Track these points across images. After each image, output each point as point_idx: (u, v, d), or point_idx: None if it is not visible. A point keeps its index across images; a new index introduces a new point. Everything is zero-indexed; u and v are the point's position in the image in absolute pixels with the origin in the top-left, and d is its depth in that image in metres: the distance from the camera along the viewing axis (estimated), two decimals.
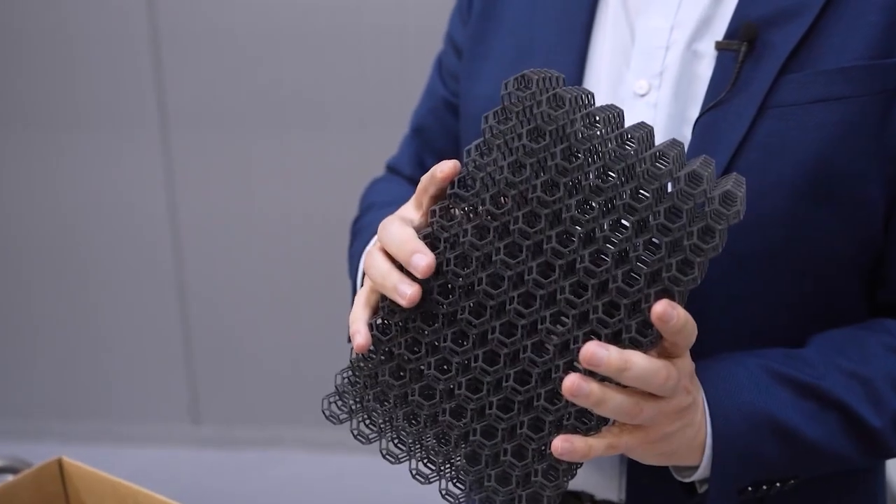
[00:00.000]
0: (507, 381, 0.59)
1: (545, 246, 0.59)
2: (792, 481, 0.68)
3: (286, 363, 2.26)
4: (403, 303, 0.60)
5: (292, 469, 2.24)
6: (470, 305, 0.60)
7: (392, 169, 0.97)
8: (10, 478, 0.80)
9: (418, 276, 0.60)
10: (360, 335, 0.62)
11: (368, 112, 2.09)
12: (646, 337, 0.56)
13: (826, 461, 0.67)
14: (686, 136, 0.70)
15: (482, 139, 0.61)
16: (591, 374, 0.56)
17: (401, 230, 0.62)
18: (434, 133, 0.91)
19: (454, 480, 0.63)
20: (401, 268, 0.61)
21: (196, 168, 2.20)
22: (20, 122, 2.22)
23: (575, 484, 0.77)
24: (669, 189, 0.57)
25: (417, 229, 0.62)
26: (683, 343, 0.57)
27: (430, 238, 0.61)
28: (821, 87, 0.66)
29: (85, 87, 2.17)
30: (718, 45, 0.69)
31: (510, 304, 0.59)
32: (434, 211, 0.62)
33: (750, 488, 0.67)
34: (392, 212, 0.66)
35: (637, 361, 0.55)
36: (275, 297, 2.23)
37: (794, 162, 0.66)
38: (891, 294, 0.73)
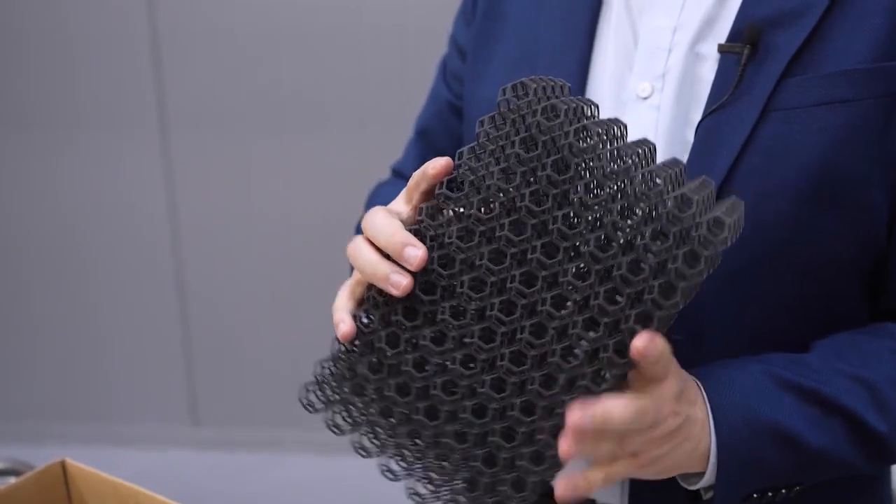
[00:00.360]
0: (482, 388, 0.59)
1: (529, 256, 0.58)
2: (797, 487, 0.68)
3: (286, 365, 2.26)
4: (396, 292, 0.60)
5: (292, 471, 2.23)
6: (451, 306, 0.60)
7: (397, 172, 0.96)
8: (12, 480, 0.80)
9: (411, 268, 0.60)
10: (345, 324, 0.63)
11: (368, 112, 2.09)
12: (623, 358, 0.55)
13: (832, 467, 0.67)
14: (689, 139, 0.70)
15: (476, 143, 0.61)
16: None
17: (388, 221, 0.62)
18: (438, 136, 0.91)
19: (423, 480, 0.63)
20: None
21: (196, 168, 2.19)
22: (20, 122, 2.22)
23: None
24: (661, 210, 0.56)
25: (404, 223, 0.62)
26: (661, 372, 0.57)
27: (416, 235, 0.61)
28: (824, 90, 0.66)
29: (85, 87, 2.17)
30: (721, 48, 0.69)
31: (491, 311, 0.59)
32: (423, 208, 0.62)
33: (755, 495, 0.66)
34: None
35: (615, 415, 0.54)
36: (275, 299, 2.23)
37: (798, 165, 0.66)
38: (893, 299, 0.72)
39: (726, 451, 0.63)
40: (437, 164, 0.62)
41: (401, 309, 0.62)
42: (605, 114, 0.75)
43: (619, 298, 0.56)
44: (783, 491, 0.67)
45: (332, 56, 2.08)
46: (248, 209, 2.20)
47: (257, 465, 2.26)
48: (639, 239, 0.55)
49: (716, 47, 0.69)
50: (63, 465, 0.79)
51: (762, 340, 0.70)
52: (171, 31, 2.11)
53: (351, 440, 0.64)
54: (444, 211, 0.61)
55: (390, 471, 0.63)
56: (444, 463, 0.61)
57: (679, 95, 0.71)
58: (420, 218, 0.62)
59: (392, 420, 0.63)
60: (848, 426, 0.66)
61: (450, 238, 0.60)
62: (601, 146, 0.59)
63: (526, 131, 0.60)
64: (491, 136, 0.61)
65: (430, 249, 0.61)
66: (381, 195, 0.94)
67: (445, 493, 0.62)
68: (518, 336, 0.59)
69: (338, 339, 0.64)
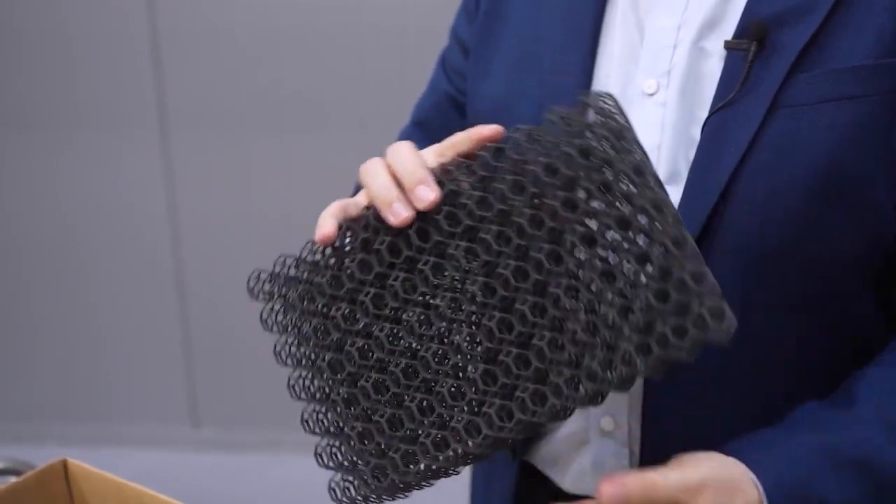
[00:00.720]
0: (421, 350, 0.59)
1: (532, 253, 0.57)
2: None
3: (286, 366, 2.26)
4: (393, 220, 0.59)
5: (292, 472, 2.23)
6: (435, 262, 0.59)
7: None
8: (12, 479, 0.80)
9: (418, 206, 0.59)
10: (328, 227, 0.62)
11: (368, 112, 2.09)
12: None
13: None
14: (695, 136, 0.69)
15: (537, 127, 0.59)
16: None
17: (413, 156, 0.61)
18: (436, 128, 0.90)
19: (323, 428, 0.63)
20: None
21: (196, 168, 2.19)
22: (20, 122, 2.22)
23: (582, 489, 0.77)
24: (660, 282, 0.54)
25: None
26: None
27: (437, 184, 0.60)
28: (830, 87, 0.65)
29: (85, 87, 2.17)
30: (727, 45, 0.68)
31: (470, 285, 0.58)
32: (456, 161, 0.60)
33: None
34: None
35: None
36: None
37: (806, 162, 0.65)
38: None
39: None
40: (489, 129, 0.61)
41: (387, 241, 0.60)
42: None
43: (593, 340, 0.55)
44: None
45: (332, 56, 2.08)
46: (248, 209, 2.19)
47: (257, 465, 2.26)
48: (637, 303, 0.54)
49: (721, 44, 0.69)
50: (65, 465, 0.79)
51: (765, 345, 0.69)
52: (172, 30, 2.11)
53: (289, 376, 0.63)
54: (474, 174, 0.60)
55: (294, 391, 0.63)
56: (350, 409, 0.61)
57: (684, 92, 0.70)
58: (449, 167, 0.60)
59: (320, 340, 0.62)
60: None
61: (467, 199, 0.59)
62: (613, 208, 0.57)
63: (551, 158, 0.58)
64: (551, 131, 0.59)
65: (442, 200, 0.59)
66: None
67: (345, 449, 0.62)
68: (483, 322, 0.58)
69: (311, 241, 0.63)
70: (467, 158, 0.62)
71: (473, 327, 0.59)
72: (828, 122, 0.65)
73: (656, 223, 0.54)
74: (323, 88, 2.10)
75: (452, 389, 0.59)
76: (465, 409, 0.58)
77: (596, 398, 0.57)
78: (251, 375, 2.31)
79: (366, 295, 0.60)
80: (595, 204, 0.57)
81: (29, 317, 2.35)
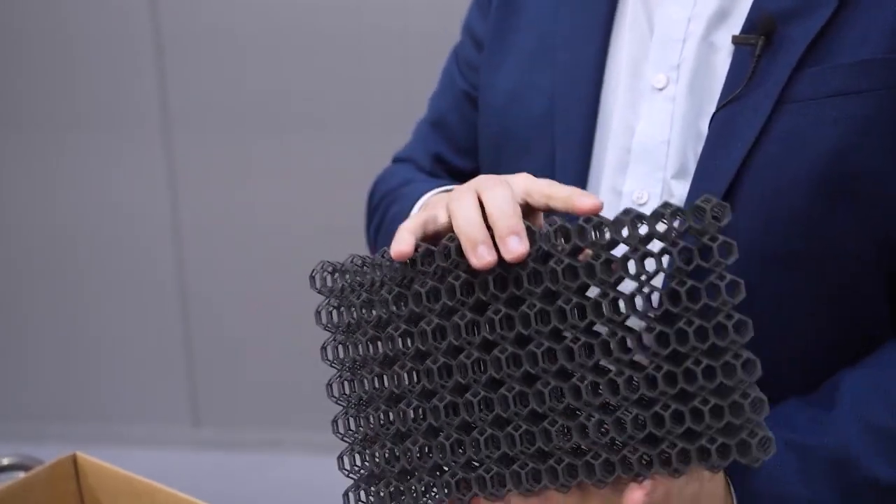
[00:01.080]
0: (471, 395, 0.60)
1: (603, 336, 0.57)
2: None
3: (287, 365, 2.25)
4: (475, 262, 0.57)
5: (292, 471, 2.23)
6: (507, 315, 0.59)
7: (402, 160, 0.95)
8: (20, 475, 0.80)
9: (505, 255, 0.57)
10: (406, 244, 0.59)
11: (370, 114, 2.09)
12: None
13: None
14: (703, 131, 0.70)
15: (636, 219, 0.56)
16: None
17: (509, 200, 0.59)
18: (455, 127, 0.90)
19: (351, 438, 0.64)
20: None
21: (198, 169, 2.19)
22: (21, 123, 2.22)
23: None
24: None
25: None
26: None
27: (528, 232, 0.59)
28: (838, 81, 0.66)
29: (86, 87, 2.17)
30: (735, 40, 0.68)
31: (537, 347, 0.58)
32: (555, 221, 0.58)
33: None
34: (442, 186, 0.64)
35: None
36: (275, 299, 2.22)
37: (813, 157, 0.66)
38: None
39: None
40: (590, 202, 0.59)
41: (462, 278, 0.59)
42: (621, 105, 0.74)
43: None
44: None
45: (334, 57, 2.08)
46: (249, 210, 2.19)
47: (257, 465, 2.25)
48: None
49: (729, 38, 0.69)
50: (74, 460, 0.79)
51: (771, 343, 0.68)
52: (174, 31, 2.11)
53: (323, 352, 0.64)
54: (568, 239, 0.58)
55: (332, 394, 0.64)
56: (382, 425, 0.63)
57: (693, 86, 0.71)
58: (547, 229, 0.58)
59: (369, 352, 0.63)
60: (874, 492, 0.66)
61: (556, 264, 0.57)
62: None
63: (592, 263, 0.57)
64: (643, 231, 0.56)
65: (530, 255, 0.57)
66: (397, 175, 0.91)
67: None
68: (537, 387, 0.58)
69: (385, 250, 0.61)
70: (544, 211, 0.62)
71: (526, 386, 0.59)
72: (835, 117, 0.65)
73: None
74: (324, 90, 2.10)
75: (486, 437, 0.60)
76: (497, 458, 0.59)
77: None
78: (251, 375, 2.31)
79: (428, 323, 0.60)
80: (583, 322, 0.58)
81: (29, 317, 2.35)
